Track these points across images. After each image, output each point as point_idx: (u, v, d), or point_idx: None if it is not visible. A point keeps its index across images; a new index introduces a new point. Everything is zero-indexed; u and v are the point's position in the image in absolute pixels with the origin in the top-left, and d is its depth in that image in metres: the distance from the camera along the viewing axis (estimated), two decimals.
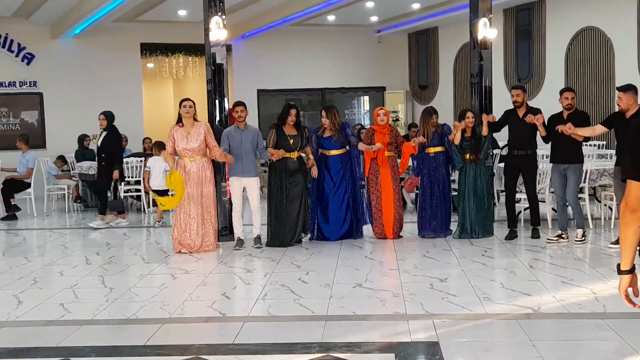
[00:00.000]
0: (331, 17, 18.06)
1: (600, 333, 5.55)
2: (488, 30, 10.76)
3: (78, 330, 5.94)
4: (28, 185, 13.28)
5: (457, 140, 9.68)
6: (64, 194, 14.20)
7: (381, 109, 10.11)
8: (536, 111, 9.58)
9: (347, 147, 9.84)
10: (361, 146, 9.82)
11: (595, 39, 14.64)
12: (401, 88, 20.64)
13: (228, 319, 6.22)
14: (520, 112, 9.62)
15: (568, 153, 9.17)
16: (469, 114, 9.82)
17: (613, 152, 11.54)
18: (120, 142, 12.18)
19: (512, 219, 9.74)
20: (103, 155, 11.66)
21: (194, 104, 9.30)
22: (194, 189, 9.15)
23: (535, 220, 9.70)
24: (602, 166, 10.45)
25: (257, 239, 9.46)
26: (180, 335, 5.81)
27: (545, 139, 9.53)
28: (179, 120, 9.25)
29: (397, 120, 19.59)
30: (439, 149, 9.82)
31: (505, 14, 16.80)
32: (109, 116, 11.67)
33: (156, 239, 10.75)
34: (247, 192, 9.47)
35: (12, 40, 16.69)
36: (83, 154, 14.60)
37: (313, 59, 19.70)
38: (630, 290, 3.23)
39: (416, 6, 17.09)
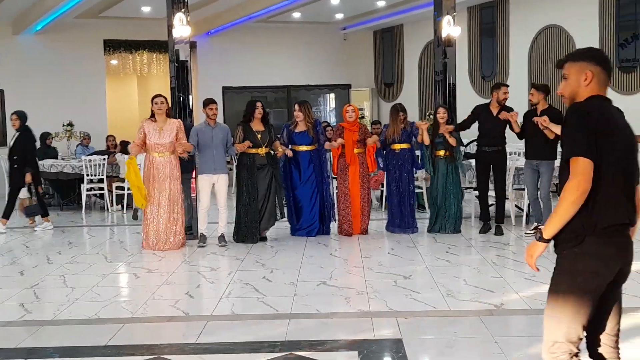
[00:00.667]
0: (296, 14, 18.02)
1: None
2: (452, 28, 10.82)
3: (38, 330, 5.86)
4: None
5: (426, 141, 9.78)
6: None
7: (349, 105, 10.15)
8: (509, 109, 9.70)
9: (317, 145, 9.85)
10: (327, 145, 9.89)
11: (558, 37, 14.78)
12: (367, 85, 20.67)
13: (191, 318, 6.17)
14: (494, 109, 9.71)
15: (541, 149, 9.30)
16: (440, 109, 9.94)
17: None
18: (34, 144, 11.60)
19: (486, 213, 9.86)
20: (15, 157, 11.18)
21: (166, 100, 9.30)
22: (163, 185, 9.13)
23: (500, 217, 9.79)
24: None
25: (222, 237, 9.41)
26: (142, 335, 5.75)
27: (519, 136, 9.68)
28: (152, 115, 9.22)
29: (363, 117, 19.58)
30: (404, 145, 9.88)
31: (469, 12, 16.90)
32: (21, 116, 11.25)
33: (119, 238, 10.65)
34: (216, 189, 9.45)
35: None
36: (45, 152, 14.38)
37: (279, 56, 19.64)
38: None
39: (381, 3, 17.12)
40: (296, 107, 9.90)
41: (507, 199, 10.22)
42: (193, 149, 9.41)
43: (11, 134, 16.38)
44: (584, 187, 3.18)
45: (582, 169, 3.18)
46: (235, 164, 10.02)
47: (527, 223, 10.18)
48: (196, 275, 7.85)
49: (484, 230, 9.78)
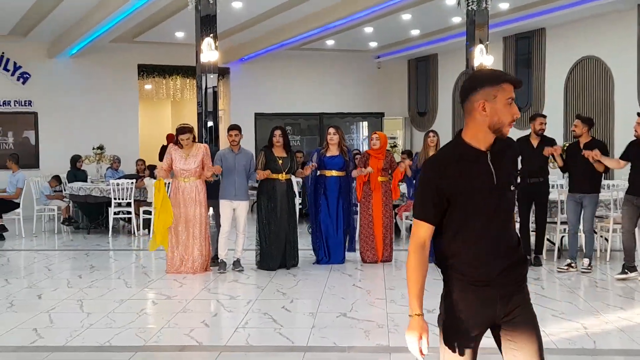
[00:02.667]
0: (330, 42, 17.97)
1: None
2: (484, 57, 10.65)
3: (48, 357, 5.73)
4: (17, 205, 13.08)
5: (409, 173, 9.94)
6: (54, 215, 13.99)
7: (375, 133, 10.08)
8: (551, 141, 9.58)
9: (346, 172, 9.77)
10: (354, 173, 9.80)
11: (595, 68, 14.51)
12: (400, 114, 20.50)
13: (205, 348, 6.01)
14: (535, 142, 9.56)
15: (586, 183, 9.13)
16: (430, 134, 10.04)
17: (610, 182, 11.37)
18: None
19: (527, 246, 9.57)
20: None
21: (192, 129, 9.27)
22: (189, 210, 9.12)
23: (539, 248, 9.68)
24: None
25: (237, 262, 9.35)
26: None
27: (563, 169, 9.60)
28: (177, 142, 9.20)
29: (395, 146, 19.41)
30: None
31: (505, 42, 16.69)
32: None
33: (143, 263, 10.54)
34: (236, 215, 9.36)
35: (8, 59, 16.60)
36: (75, 174, 14.43)
37: (312, 83, 19.58)
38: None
39: (415, 32, 16.99)
40: (331, 130, 9.80)
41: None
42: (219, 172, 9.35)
43: (45, 155, 16.61)
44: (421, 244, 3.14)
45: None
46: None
47: (559, 257, 9.86)
48: (215, 303, 7.68)
49: (535, 263, 9.54)
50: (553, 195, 10.03)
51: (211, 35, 9.64)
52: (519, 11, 14.50)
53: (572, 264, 9.20)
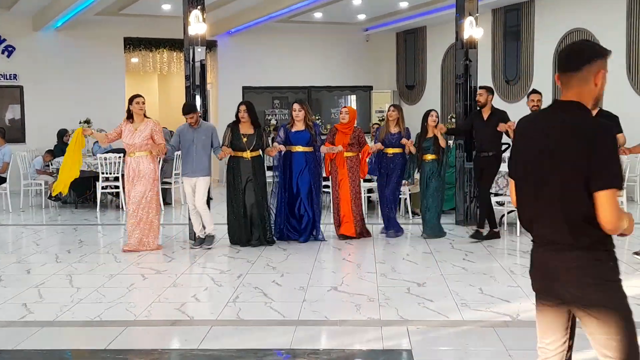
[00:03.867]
0: (318, 15, 17.81)
1: (581, 342, 5.33)
2: (474, 30, 10.58)
3: (38, 332, 5.70)
4: (4, 180, 12.98)
5: (413, 151, 9.76)
6: (42, 190, 13.89)
7: (345, 107, 9.90)
8: (502, 114, 9.60)
9: (313, 146, 9.58)
10: (322, 149, 9.62)
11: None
12: (388, 87, 20.41)
13: (195, 322, 5.98)
14: (485, 114, 9.59)
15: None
16: (433, 112, 9.91)
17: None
18: None
19: (482, 219, 9.68)
20: None
21: (144, 100, 9.16)
22: (139, 186, 8.96)
23: (481, 222, 9.67)
24: None
25: (209, 237, 9.29)
26: (143, 340, 5.58)
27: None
28: (130, 116, 9.06)
29: (383, 119, 19.35)
30: (398, 150, 9.78)
31: (494, 14, 16.60)
32: None
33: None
34: (195, 190, 9.27)
35: None
36: (62, 149, 14.27)
37: (300, 57, 19.43)
38: None
39: (404, 5, 16.87)
40: (296, 106, 9.56)
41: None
42: (172, 150, 9.34)
43: (31, 129, 16.45)
44: None
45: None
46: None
47: None
48: (205, 278, 7.66)
49: (475, 236, 9.58)
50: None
51: (199, 7, 9.50)
52: None
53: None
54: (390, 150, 9.75)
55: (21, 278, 7.75)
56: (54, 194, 9.67)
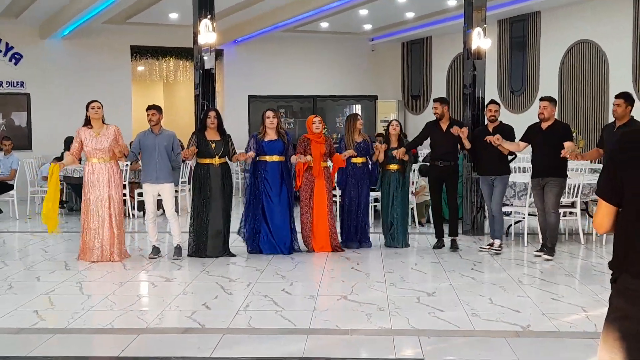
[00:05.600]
0: (324, 24, 17.89)
1: (592, 354, 5.36)
2: (482, 40, 10.61)
3: (50, 339, 5.72)
4: (11, 187, 13.02)
5: (381, 158, 9.79)
6: None
7: (316, 116, 9.73)
8: (460, 124, 9.78)
9: (285, 156, 9.41)
10: (292, 159, 9.41)
11: (590, 52, 14.51)
12: (393, 97, 20.48)
13: (207, 330, 6.00)
14: (443, 125, 9.70)
15: (495, 165, 9.38)
16: (394, 122, 10.02)
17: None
18: None
19: (440, 229, 9.83)
20: None
21: (101, 105, 9.08)
22: (103, 192, 8.87)
23: (454, 231, 9.74)
24: (595, 180, 10.28)
25: (177, 249, 9.19)
26: (156, 347, 5.58)
27: (470, 152, 9.81)
28: (87, 122, 9.01)
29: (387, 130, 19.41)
30: (364, 159, 9.83)
31: (500, 25, 16.65)
32: None
33: (140, 245, 10.50)
34: (162, 199, 9.23)
35: None
36: None
37: (305, 66, 19.52)
38: None
39: (410, 15, 16.94)
40: (270, 114, 9.33)
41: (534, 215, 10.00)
42: (133, 155, 9.25)
43: (37, 136, 16.50)
44: None
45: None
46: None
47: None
48: (214, 286, 7.66)
49: (438, 246, 9.68)
50: (521, 178, 10.07)
51: (209, 16, 9.57)
52: None
53: (493, 244, 9.46)
54: (359, 160, 9.75)
55: (31, 285, 7.76)
56: (49, 232, 9.53)
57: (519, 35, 16.38)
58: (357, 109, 20.62)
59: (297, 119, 19.79)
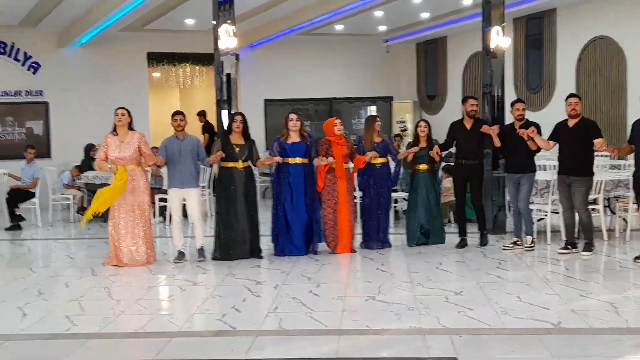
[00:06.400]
0: (339, 27, 17.93)
1: (623, 350, 5.36)
2: (501, 39, 10.61)
3: (84, 344, 5.77)
4: (33, 195, 13.12)
5: (409, 159, 9.98)
6: (69, 204, 14.00)
7: (337, 119, 9.75)
8: (486, 122, 9.90)
9: (309, 159, 9.43)
10: (315, 161, 9.43)
11: (608, 49, 14.47)
12: (409, 98, 20.49)
13: (239, 332, 6.03)
14: (468, 124, 9.78)
15: (522, 163, 9.39)
16: (422, 123, 10.09)
17: (627, 162, 11.37)
18: None
19: (463, 229, 9.88)
20: None
21: (128, 112, 9.12)
22: (128, 199, 8.93)
23: (483, 226, 9.87)
24: (617, 177, 10.26)
25: (200, 251, 9.25)
26: (190, 350, 5.62)
27: (500, 150, 9.78)
28: (114, 129, 9.06)
29: (405, 130, 19.44)
30: (384, 160, 9.86)
31: (515, 23, 16.62)
32: None
33: (162, 250, 10.55)
34: (187, 204, 9.29)
35: (18, 49, 16.60)
36: (89, 164, 14.44)
37: (321, 69, 19.57)
38: None
39: (425, 15, 16.95)
40: (293, 116, 9.38)
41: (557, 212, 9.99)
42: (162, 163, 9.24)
43: (57, 144, 16.62)
44: None
45: None
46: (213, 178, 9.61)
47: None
48: (241, 289, 7.68)
49: (461, 245, 9.72)
50: (543, 176, 10.07)
51: (229, 21, 9.61)
52: None
53: (518, 242, 9.46)
54: (379, 160, 9.78)
55: (60, 291, 7.84)
56: (82, 225, 9.57)
57: (535, 33, 16.36)
58: (373, 110, 20.65)
59: (313, 121, 19.83)
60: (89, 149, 14.81)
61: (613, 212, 10.59)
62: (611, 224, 10.66)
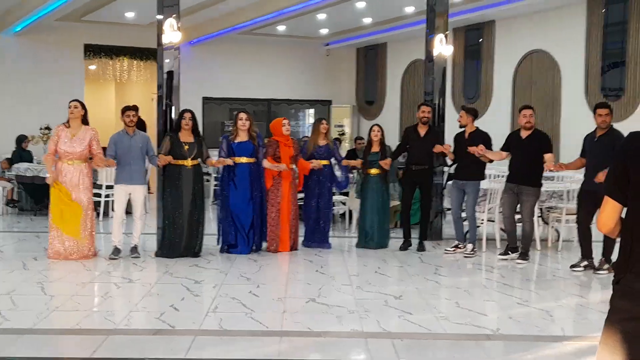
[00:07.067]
0: (281, 28, 17.89)
1: (561, 356, 5.46)
2: (444, 47, 10.72)
3: (18, 339, 5.59)
4: None
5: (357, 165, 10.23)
6: None
7: (285, 119, 9.78)
8: (436, 133, 10.09)
9: (256, 158, 9.41)
10: (266, 164, 9.41)
11: (543, 62, 14.80)
12: (348, 102, 20.58)
13: (178, 332, 5.92)
14: (422, 130, 9.94)
15: (470, 170, 9.53)
16: (375, 128, 10.15)
17: (560, 174, 11.60)
18: None
19: (408, 231, 10.03)
20: None
21: (82, 104, 8.93)
22: (73, 195, 8.78)
23: (424, 233, 10.02)
24: (551, 188, 10.48)
25: (134, 248, 9.12)
26: (129, 348, 5.49)
27: (454, 162, 9.96)
28: (68, 120, 8.87)
29: (343, 134, 19.51)
30: (325, 162, 9.94)
31: (455, 33, 16.85)
32: None
33: (97, 246, 10.32)
34: (132, 200, 9.15)
35: None
36: (20, 155, 14.06)
37: (261, 69, 19.49)
38: None
39: (367, 21, 17.06)
40: (243, 115, 9.35)
41: (493, 221, 10.14)
42: (112, 159, 8.99)
43: None
44: None
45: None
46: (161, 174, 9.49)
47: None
48: (180, 287, 7.56)
49: (405, 247, 9.88)
50: (482, 184, 10.25)
51: (174, 15, 9.46)
52: (470, 3, 14.68)
53: (459, 246, 9.70)
54: (322, 162, 9.88)
55: None
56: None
57: (474, 44, 16.62)
58: (311, 113, 20.69)
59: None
60: (22, 140, 14.41)
61: (546, 223, 10.80)
62: (543, 234, 10.86)
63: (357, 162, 10.24)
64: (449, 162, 9.97)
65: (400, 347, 5.52)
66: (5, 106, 16.41)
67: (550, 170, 9.23)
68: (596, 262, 8.56)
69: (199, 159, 9.23)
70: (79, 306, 6.67)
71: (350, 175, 10.95)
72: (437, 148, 9.69)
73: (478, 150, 9.20)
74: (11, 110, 16.34)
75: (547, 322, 6.38)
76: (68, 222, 8.81)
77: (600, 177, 7.84)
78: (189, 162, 9.08)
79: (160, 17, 9.52)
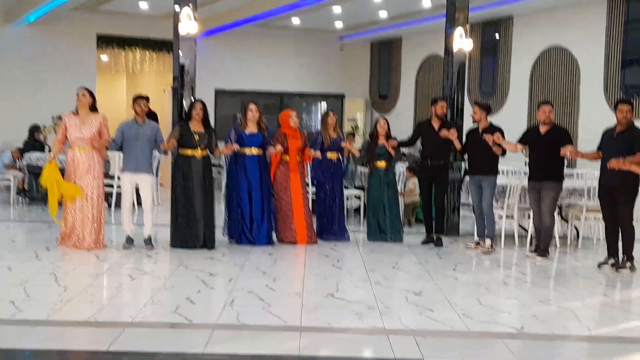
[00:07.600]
0: (296, 21, 17.75)
1: (588, 356, 5.32)
2: (464, 41, 10.56)
3: (31, 331, 5.46)
4: None
5: (355, 153, 10.13)
6: (9, 186, 13.50)
7: (292, 110, 9.81)
8: (451, 125, 9.89)
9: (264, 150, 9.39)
10: (270, 150, 9.39)
11: (562, 58, 14.61)
12: (361, 96, 20.43)
13: (195, 325, 5.79)
14: (435, 124, 9.81)
15: (483, 165, 9.45)
16: (381, 121, 10.08)
17: (580, 171, 11.44)
18: None
19: (430, 224, 9.94)
20: None
21: (90, 92, 8.86)
22: (83, 182, 8.74)
23: (440, 229, 9.91)
24: (572, 185, 10.32)
25: (148, 240, 8.99)
26: (145, 342, 5.35)
27: (461, 152, 9.87)
28: (76, 109, 8.82)
29: (357, 128, 19.35)
30: (336, 154, 9.96)
31: (472, 29, 16.63)
32: None
33: (108, 236, 10.17)
34: (140, 190, 9.04)
35: None
36: (33, 145, 13.96)
37: (274, 62, 19.36)
38: None
39: (383, 14, 16.88)
40: (253, 107, 9.36)
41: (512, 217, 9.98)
42: (114, 145, 8.93)
43: (2, 124, 16.06)
44: None
45: None
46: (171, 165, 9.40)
47: (530, 243, 9.82)
48: (195, 280, 7.42)
49: (426, 241, 9.85)
50: (525, 182, 10.05)
51: (190, 5, 9.32)
52: None
53: (480, 243, 9.56)
54: (334, 155, 9.89)
55: (3, 276, 7.45)
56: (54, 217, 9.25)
57: (491, 39, 16.44)
58: (324, 106, 20.53)
59: (264, 115, 19.52)
60: (34, 129, 14.31)
61: (565, 220, 10.63)
62: (562, 231, 10.70)
63: (355, 151, 10.11)
64: (458, 146, 9.69)
65: (424, 345, 5.37)
66: (16, 96, 16.31)
67: (565, 156, 8.97)
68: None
69: (208, 150, 9.12)
70: (93, 298, 6.56)
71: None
72: (443, 133, 9.56)
73: (494, 138, 9.08)
74: (24, 100, 16.24)
75: (571, 321, 6.22)
76: (53, 197, 8.81)
77: (614, 163, 7.79)
78: (198, 152, 8.97)
79: (177, 7, 9.36)
